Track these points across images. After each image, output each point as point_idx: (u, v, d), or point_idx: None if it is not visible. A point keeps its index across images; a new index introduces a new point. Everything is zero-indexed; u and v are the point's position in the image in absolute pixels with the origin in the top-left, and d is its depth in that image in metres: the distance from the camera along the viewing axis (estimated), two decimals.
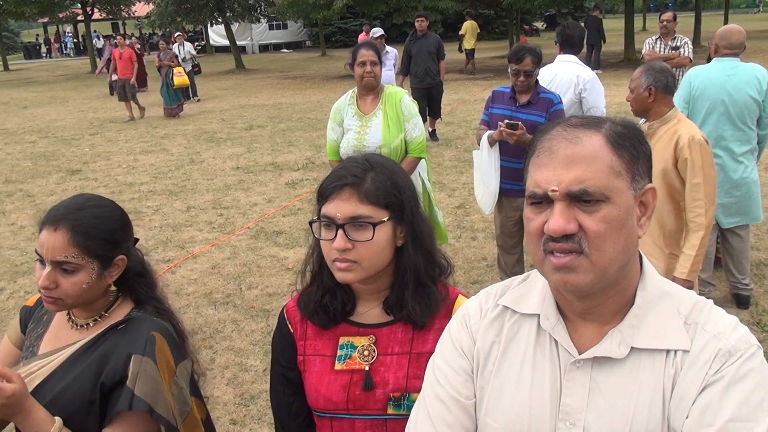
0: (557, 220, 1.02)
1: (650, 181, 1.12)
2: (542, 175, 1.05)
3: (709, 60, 4.95)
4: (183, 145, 11.78)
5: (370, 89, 4.25)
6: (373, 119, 4.21)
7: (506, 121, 3.97)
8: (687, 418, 1.04)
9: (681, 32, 8.70)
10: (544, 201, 1.05)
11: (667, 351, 1.09)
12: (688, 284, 3.13)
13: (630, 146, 1.08)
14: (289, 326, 1.61)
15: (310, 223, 1.51)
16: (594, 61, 20.16)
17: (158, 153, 11.14)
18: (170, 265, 5.90)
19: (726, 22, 32.67)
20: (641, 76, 3.37)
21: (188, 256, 6.13)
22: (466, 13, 23.23)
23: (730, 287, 4.66)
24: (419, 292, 1.51)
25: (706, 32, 29.59)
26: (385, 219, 1.46)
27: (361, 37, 16.19)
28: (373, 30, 11.48)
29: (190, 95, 17.56)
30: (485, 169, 4.28)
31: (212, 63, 31.09)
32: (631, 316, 1.12)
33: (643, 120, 3.50)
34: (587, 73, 4.61)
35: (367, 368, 1.51)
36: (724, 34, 4.40)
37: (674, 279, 3.14)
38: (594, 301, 1.11)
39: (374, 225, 1.43)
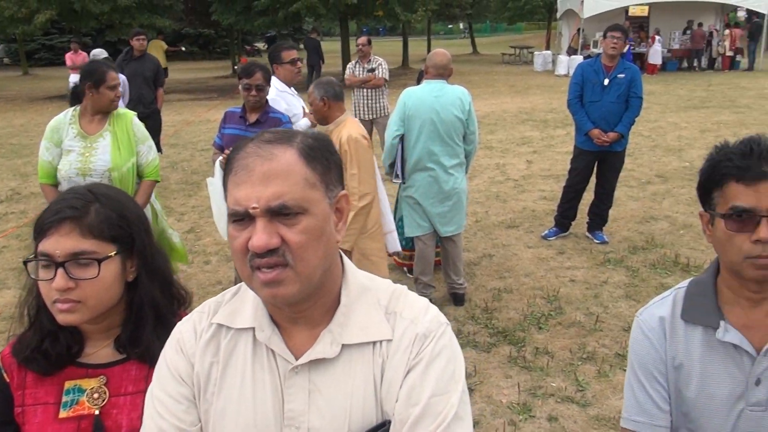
0: (260, 236, 1.03)
1: (343, 188, 1.17)
2: (241, 193, 1.05)
3: (419, 81, 5.38)
4: None
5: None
6: (99, 141, 3.90)
7: None
8: (396, 401, 1.12)
9: (390, 56, 9.34)
10: (245, 218, 1.06)
11: (374, 342, 1.15)
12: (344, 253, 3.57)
13: (322, 157, 1.12)
14: (5, 375, 1.44)
15: (25, 263, 1.37)
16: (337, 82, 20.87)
17: None
18: None
19: (429, 47, 36.12)
20: (314, 91, 3.99)
21: None
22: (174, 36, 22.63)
23: (448, 288, 5.07)
24: (159, 327, 1.44)
25: (413, 55, 32.44)
26: (112, 254, 1.38)
27: (69, 56, 14.84)
28: (94, 52, 10.54)
29: None
30: (220, 193, 4.18)
31: None
32: (338, 315, 1.17)
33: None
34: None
35: (96, 412, 1.39)
36: (431, 57, 4.78)
37: None
38: (303, 307, 1.14)
39: (99, 261, 1.35)
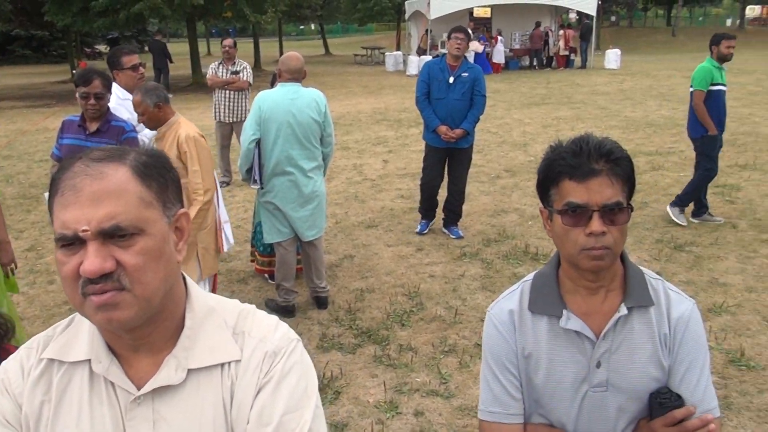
0: (92, 261, 0.97)
1: (182, 206, 1.13)
2: (69, 215, 0.99)
3: (273, 84, 5.31)
4: None
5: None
6: None
7: None
8: (248, 423, 1.10)
9: (242, 57, 9.17)
10: (75, 242, 0.99)
11: (222, 365, 1.12)
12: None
13: (157, 175, 1.07)
14: None
15: None
16: (163, 86, 20.04)
17: None
18: None
19: (281, 48, 35.85)
20: (145, 98, 3.94)
21: None
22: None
23: (311, 292, 5.04)
24: None
25: (265, 57, 32.04)
26: None
27: None
28: None
29: None
30: None
31: None
32: (183, 338, 1.12)
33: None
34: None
35: None
36: (284, 60, 4.71)
37: None
38: (144, 332, 1.08)
39: None
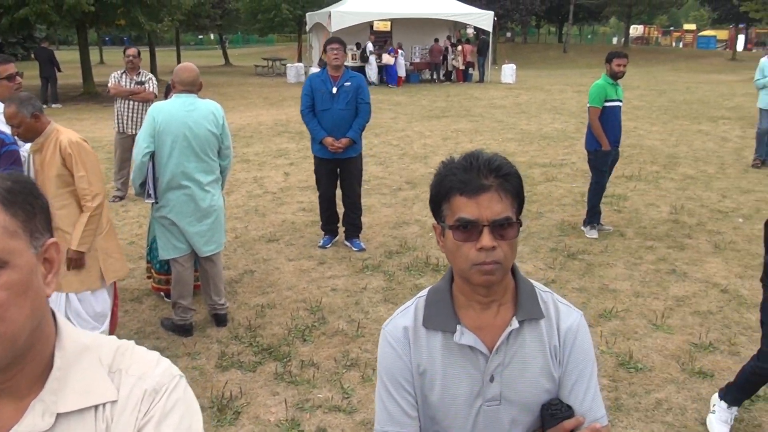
0: None
1: (51, 236, 1.05)
2: None
3: (167, 95, 5.14)
4: None
5: None
6: None
7: None
8: None
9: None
10: None
11: (96, 407, 1.04)
12: (78, 254, 3.88)
13: (24, 202, 0.99)
14: None
15: None
16: (51, 95, 19.08)
17: None
18: None
19: (179, 57, 34.97)
20: (20, 109, 3.77)
21: None
22: None
23: (209, 309, 4.89)
24: None
25: (162, 66, 31.14)
26: None
27: None
28: None
29: None
30: None
31: None
32: (51, 380, 1.03)
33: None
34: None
35: None
36: (177, 72, 4.57)
37: (68, 251, 3.84)
38: (7, 375, 1.00)
39: None
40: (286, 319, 4.96)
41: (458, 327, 1.54)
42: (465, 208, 1.44)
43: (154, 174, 4.47)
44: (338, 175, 6.37)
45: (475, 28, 27.53)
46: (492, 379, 1.54)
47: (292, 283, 5.65)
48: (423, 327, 1.58)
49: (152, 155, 4.43)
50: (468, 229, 1.44)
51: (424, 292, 1.65)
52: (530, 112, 16.78)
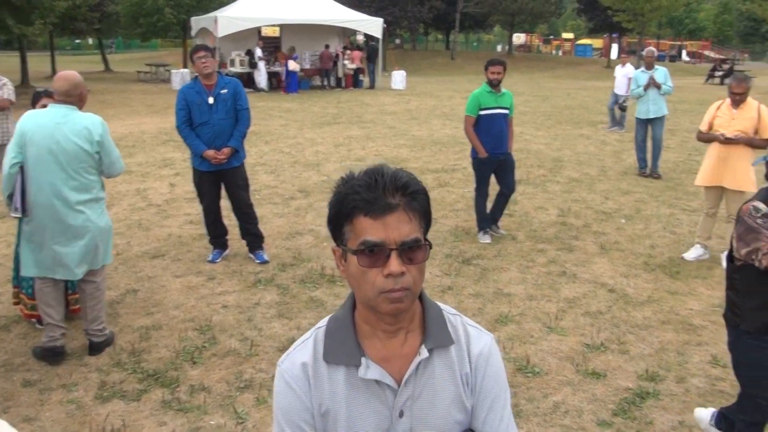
0: None
1: None
2: None
3: (34, 104, 4.85)
4: None
5: None
6: None
7: None
8: None
9: (5, 72, 8.20)
10: None
11: None
12: None
13: None
14: None
15: None
16: None
17: None
18: None
19: (53, 63, 33.08)
20: None
21: None
22: None
23: (86, 335, 4.48)
24: None
25: (35, 72, 29.34)
26: None
27: None
28: None
29: None
30: None
31: None
32: None
33: None
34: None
35: None
36: (54, 80, 4.24)
37: None
38: None
39: None
40: (173, 341, 4.65)
41: (363, 360, 1.40)
42: (370, 230, 1.30)
43: (23, 186, 4.10)
44: (222, 186, 6.08)
45: (365, 35, 27.63)
46: (401, 414, 1.41)
47: (180, 302, 5.32)
48: (323, 362, 1.42)
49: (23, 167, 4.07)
50: (374, 253, 1.30)
51: (324, 322, 1.49)
52: (421, 118, 16.97)
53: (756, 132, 5.96)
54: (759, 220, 2.83)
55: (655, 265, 6.26)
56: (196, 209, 7.94)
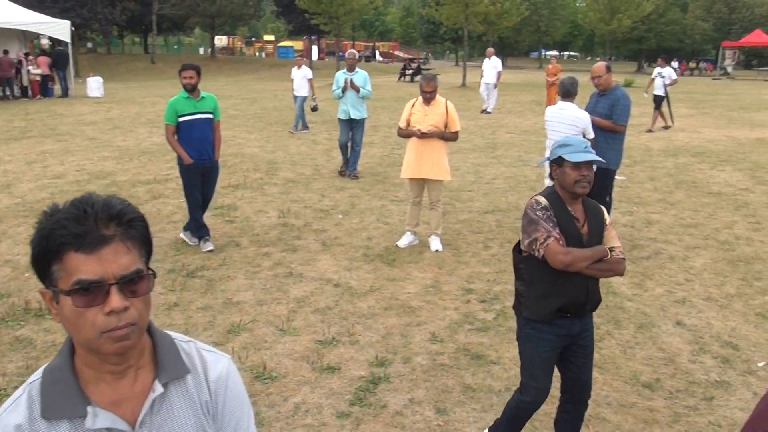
0: None
1: None
2: None
3: None
4: None
5: None
6: None
7: None
8: None
9: None
10: None
11: None
12: None
13: None
14: None
15: None
16: None
17: None
18: None
19: None
20: None
21: None
22: None
23: None
24: None
25: None
26: None
27: None
28: None
29: None
30: None
31: None
32: None
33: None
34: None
35: None
36: None
37: None
38: None
39: None
40: None
41: (89, 409, 1.25)
42: (84, 266, 1.17)
43: None
44: None
45: (51, 39, 25.19)
46: None
47: None
48: (43, 420, 1.25)
49: None
50: (91, 291, 1.17)
51: (37, 374, 1.31)
52: (125, 126, 15.97)
53: (446, 126, 6.63)
54: (539, 212, 3.05)
55: (374, 256, 6.66)
56: None
